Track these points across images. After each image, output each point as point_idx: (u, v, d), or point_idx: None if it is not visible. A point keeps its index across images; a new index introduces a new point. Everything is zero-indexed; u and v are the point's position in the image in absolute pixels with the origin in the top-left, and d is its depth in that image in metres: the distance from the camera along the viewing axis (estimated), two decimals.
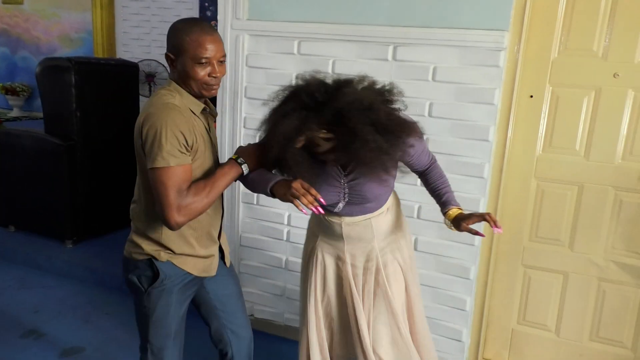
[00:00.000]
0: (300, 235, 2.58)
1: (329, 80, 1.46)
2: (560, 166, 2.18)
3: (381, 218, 1.70)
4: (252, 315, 2.78)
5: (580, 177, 2.16)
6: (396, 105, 1.50)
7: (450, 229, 1.64)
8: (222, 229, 1.71)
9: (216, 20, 7.86)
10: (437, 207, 2.25)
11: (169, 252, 1.54)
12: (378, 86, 1.50)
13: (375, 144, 1.38)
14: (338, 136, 1.39)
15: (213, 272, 1.67)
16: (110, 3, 7.77)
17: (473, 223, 1.55)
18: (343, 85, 1.43)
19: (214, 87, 1.51)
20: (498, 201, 2.23)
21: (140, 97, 4.34)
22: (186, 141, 1.43)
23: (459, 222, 1.57)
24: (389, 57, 2.26)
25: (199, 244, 1.58)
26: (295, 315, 2.70)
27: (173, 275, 1.55)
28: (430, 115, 2.22)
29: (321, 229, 1.76)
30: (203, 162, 1.53)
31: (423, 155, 1.67)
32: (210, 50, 1.44)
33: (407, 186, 2.28)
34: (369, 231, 1.69)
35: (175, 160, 1.40)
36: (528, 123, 2.19)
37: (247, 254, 2.74)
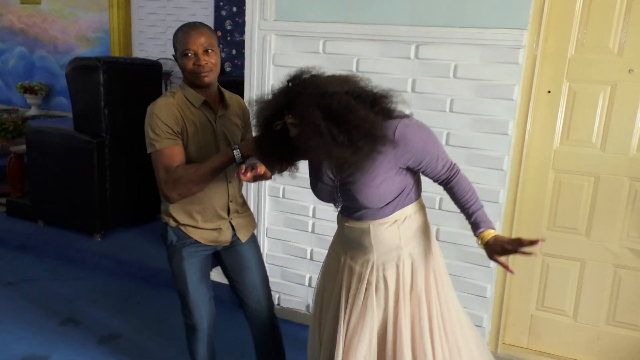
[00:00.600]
0: (324, 227, 2.70)
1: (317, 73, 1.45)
2: (577, 158, 2.27)
3: (383, 229, 1.55)
4: (278, 304, 2.90)
5: (596, 169, 2.25)
6: (378, 105, 1.42)
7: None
8: (230, 208, 1.86)
9: (231, 19, 7.91)
10: None
11: (175, 221, 1.82)
12: (358, 83, 1.43)
13: (318, 128, 1.32)
14: (296, 120, 1.37)
15: (223, 243, 1.88)
16: (126, 3, 7.91)
17: (505, 255, 1.45)
18: (316, 75, 1.42)
19: (203, 74, 1.70)
20: (517, 192, 2.33)
21: None
22: (171, 128, 1.67)
23: (491, 251, 1.47)
24: (412, 55, 2.36)
25: (202, 218, 1.81)
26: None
27: (180, 239, 1.83)
28: (451, 110, 2.32)
29: (338, 228, 1.74)
30: (199, 148, 1.74)
31: (429, 157, 1.48)
32: (191, 43, 1.67)
33: (427, 178, 2.38)
34: (367, 239, 1.57)
35: (159, 144, 1.67)
36: (546, 117, 2.28)
37: (272, 245, 2.86)
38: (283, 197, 2.77)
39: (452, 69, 2.29)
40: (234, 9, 7.11)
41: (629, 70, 2.14)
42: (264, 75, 2.65)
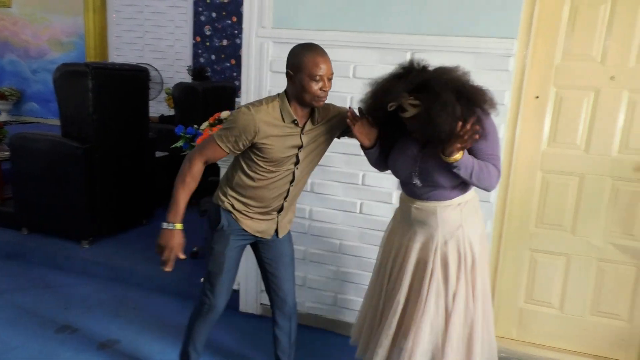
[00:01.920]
0: (320, 229, 2.77)
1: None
2: (563, 159, 2.42)
3: (449, 210, 1.78)
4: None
5: (581, 169, 2.41)
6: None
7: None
8: (283, 206, 2.01)
9: (210, 24, 7.92)
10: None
11: (231, 206, 1.96)
12: (468, 75, 1.75)
13: (453, 108, 1.58)
14: (423, 102, 1.62)
15: (267, 236, 2.04)
16: (102, 7, 7.83)
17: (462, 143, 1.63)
18: (432, 66, 1.72)
19: (322, 99, 1.84)
20: (507, 192, 2.46)
21: None
22: (236, 141, 1.84)
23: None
24: None
25: (257, 211, 1.97)
26: (315, 304, 2.89)
27: (231, 225, 1.97)
28: None
29: (399, 209, 1.95)
30: (276, 158, 1.88)
31: (484, 145, 1.72)
32: (324, 69, 1.79)
33: None
34: (433, 219, 1.79)
35: (219, 139, 1.85)
36: (534, 121, 2.42)
37: None
38: None
39: None
40: (213, 14, 7.13)
41: (611, 77, 2.30)
42: (262, 81, 2.71)
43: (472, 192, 1.86)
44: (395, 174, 1.89)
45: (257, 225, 2.00)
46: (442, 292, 1.78)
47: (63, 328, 2.82)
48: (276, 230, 2.05)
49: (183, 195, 1.88)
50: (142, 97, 4.13)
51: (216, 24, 7.27)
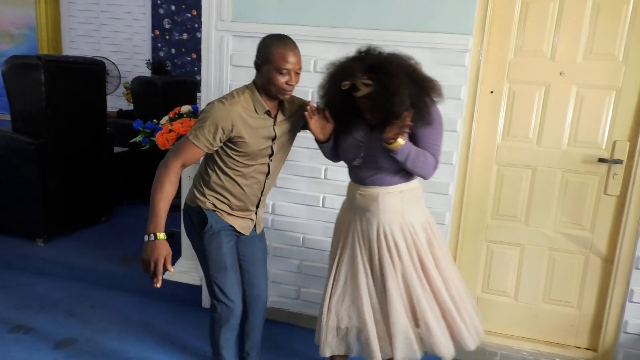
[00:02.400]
0: (283, 223, 2.78)
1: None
2: (516, 152, 2.50)
3: (390, 197, 1.87)
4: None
5: (533, 162, 2.49)
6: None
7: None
8: (260, 201, 2.04)
9: (169, 18, 7.75)
10: None
11: (213, 205, 1.94)
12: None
13: (405, 90, 1.68)
14: (376, 82, 1.70)
15: (247, 233, 2.04)
16: None
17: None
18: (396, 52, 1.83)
19: (288, 93, 1.86)
20: (465, 185, 2.53)
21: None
22: (213, 137, 1.79)
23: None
24: None
25: (237, 207, 1.97)
26: (279, 298, 2.89)
27: (218, 223, 1.95)
28: None
29: (346, 196, 2.03)
30: (253, 149, 1.88)
31: (427, 132, 1.81)
32: (291, 63, 1.79)
33: None
34: (375, 205, 1.87)
35: (195, 139, 1.80)
36: (490, 115, 2.50)
37: None
38: None
39: None
40: (172, 7, 6.98)
41: (560, 73, 2.39)
42: (222, 75, 2.69)
43: (416, 182, 1.94)
44: (343, 157, 1.97)
45: (240, 221, 2.00)
46: (393, 274, 1.86)
47: (16, 328, 2.73)
48: (255, 226, 2.08)
49: (162, 204, 1.74)
50: (99, 91, 4.01)
51: (175, 17, 7.13)
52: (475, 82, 2.43)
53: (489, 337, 2.67)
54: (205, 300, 3.00)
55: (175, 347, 2.63)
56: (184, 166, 1.81)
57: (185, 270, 3.16)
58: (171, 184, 1.77)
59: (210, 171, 1.92)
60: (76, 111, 3.76)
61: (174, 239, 3.74)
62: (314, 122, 1.90)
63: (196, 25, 6.79)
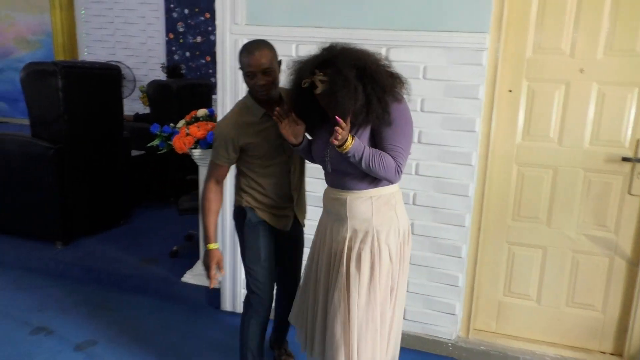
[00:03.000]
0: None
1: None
2: (537, 152, 2.45)
3: (358, 202, 1.77)
4: None
5: (554, 161, 2.44)
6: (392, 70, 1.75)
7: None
8: (292, 197, 2.12)
9: (183, 21, 7.81)
10: (431, 194, 2.50)
11: (249, 203, 2.09)
12: (382, 59, 1.75)
13: (353, 85, 1.59)
14: (329, 78, 1.63)
15: (286, 228, 2.14)
16: (69, 4, 7.63)
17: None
18: (350, 45, 1.73)
19: (264, 92, 1.92)
20: (484, 186, 2.49)
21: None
22: (226, 152, 1.99)
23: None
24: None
25: (268, 204, 2.08)
26: None
27: (256, 218, 2.09)
28: (422, 110, 2.44)
29: (323, 199, 1.96)
30: (267, 151, 2.00)
31: (388, 133, 1.70)
32: (251, 66, 1.87)
33: (403, 175, 2.48)
34: (344, 210, 1.78)
35: (215, 158, 2.03)
36: (508, 114, 2.45)
37: None
38: None
39: (421, 70, 2.42)
40: (186, 11, 7.02)
41: (580, 70, 2.34)
42: (237, 79, 2.68)
43: (392, 187, 1.81)
44: (316, 160, 1.91)
45: (275, 218, 2.11)
46: (344, 285, 1.76)
47: (38, 330, 2.76)
48: (296, 220, 2.17)
49: (207, 219, 2.03)
50: (115, 96, 4.04)
51: (189, 21, 7.17)
52: (493, 81, 2.39)
53: (511, 341, 2.62)
54: (224, 303, 3.00)
55: (193, 349, 2.62)
56: (217, 182, 2.05)
57: (203, 273, 3.16)
58: (211, 201, 2.03)
59: (240, 176, 2.11)
60: (93, 116, 3.79)
61: (192, 241, 3.78)
62: (284, 125, 1.86)
63: (210, 28, 6.83)
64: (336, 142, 1.62)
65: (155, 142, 3.17)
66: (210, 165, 2.06)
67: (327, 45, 1.73)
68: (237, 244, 2.37)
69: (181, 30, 7.19)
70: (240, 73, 2.65)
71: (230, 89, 2.70)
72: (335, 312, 1.78)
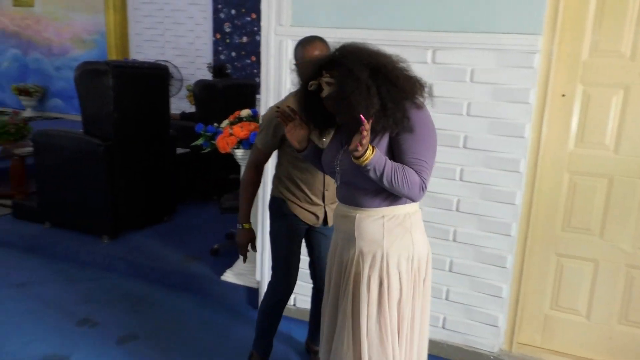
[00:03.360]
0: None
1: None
2: (591, 160, 2.33)
3: (368, 221, 1.59)
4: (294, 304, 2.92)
5: (610, 170, 2.31)
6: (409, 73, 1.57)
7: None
8: (325, 195, 2.14)
9: (230, 22, 7.96)
10: (476, 201, 2.42)
11: (285, 196, 2.14)
12: (400, 60, 1.57)
13: (366, 86, 1.42)
14: (337, 79, 1.48)
15: (317, 224, 2.17)
16: (123, 5, 7.91)
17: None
18: (365, 44, 1.57)
19: None
20: (533, 194, 2.38)
21: None
22: (269, 138, 2.04)
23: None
24: (429, 60, 2.40)
25: (302, 199, 2.12)
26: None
27: (291, 210, 2.13)
28: (468, 114, 2.36)
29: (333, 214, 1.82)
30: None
31: (410, 143, 1.51)
32: (303, 57, 1.95)
33: (447, 180, 2.43)
34: (352, 228, 1.61)
35: (258, 142, 2.10)
36: (561, 120, 2.34)
37: None
38: None
39: (468, 73, 2.34)
40: (233, 11, 7.13)
41: None
42: (281, 79, 2.68)
43: (409, 207, 1.61)
44: (323, 167, 1.76)
45: (307, 214, 2.13)
46: (349, 315, 1.61)
47: (83, 321, 2.86)
48: (325, 219, 2.17)
49: (243, 200, 2.14)
50: (163, 95, 4.14)
51: (236, 21, 7.27)
52: (545, 85, 2.29)
53: (557, 357, 2.51)
54: None
55: (231, 347, 2.65)
56: (257, 167, 2.13)
57: (243, 272, 3.19)
58: (249, 184, 2.13)
59: (279, 167, 2.17)
60: (141, 114, 3.89)
61: (232, 240, 3.81)
62: (289, 129, 1.74)
63: (255, 28, 6.90)
64: (357, 152, 1.42)
65: (199, 142, 3.22)
66: (252, 148, 2.15)
67: (339, 45, 1.57)
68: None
69: (228, 30, 7.30)
70: (283, 74, 2.68)
71: (274, 89, 2.71)
72: (340, 345, 1.63)
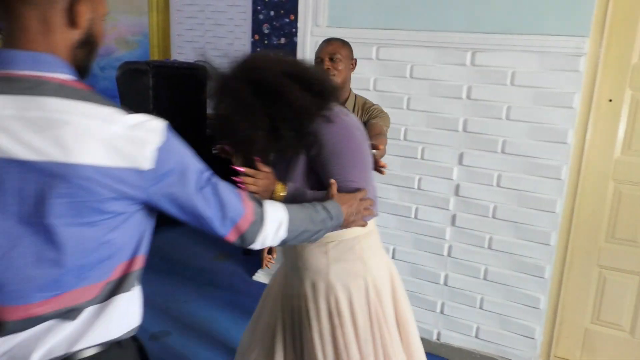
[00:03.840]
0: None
1: None
2: (638, 169, 2.21)
3: (308, 251, 1.43)
4: None
5: None
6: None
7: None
8: None
9: (268, 23, 7.99)
10: (512, 207, 2.35)
11: None
12: (299, 64, 1.37)
13: (245, 103, 1.23)
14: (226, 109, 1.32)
15: None
16: (166, 7, 8.09)
17: None
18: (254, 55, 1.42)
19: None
20: (575, 202, 2.29)
21: None
22: None
23: None
24: (467, 62, 2.34)
25: None
26: None
27: None
28: (508, 118, 2.29)
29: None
30: None
31: (328, 163, 1.32)
32: (321, 52, 2.02)
33: (483, 186, 2.36)
34: (296, 259, 1.47)
35: None
36: (607, 126, 2.23)
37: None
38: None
39: (509, 76, 2.27)
40: (272, 13, 7.18)
41: None
42: None
43: (358, 229, 1.39)
44: None
45: None
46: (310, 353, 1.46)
47: None
48: None
49: None
50: (200, 95, 4.19)
51: (274, 23, 7.33)
52: (591, 89, 2.19)
53: None
54: None
55: None
56: None
57: (273, 272, 3.19)
58: None
59: None
60: (179, 113, 3.95)
61: (249, 254, 3.78)
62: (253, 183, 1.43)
63: (293, 30, 6.95)
64: (258, 196, 1.20)
65: None
66: None
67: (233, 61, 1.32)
68: None
69: (266, 31, 7.37)
70: None
71: None
72: None
